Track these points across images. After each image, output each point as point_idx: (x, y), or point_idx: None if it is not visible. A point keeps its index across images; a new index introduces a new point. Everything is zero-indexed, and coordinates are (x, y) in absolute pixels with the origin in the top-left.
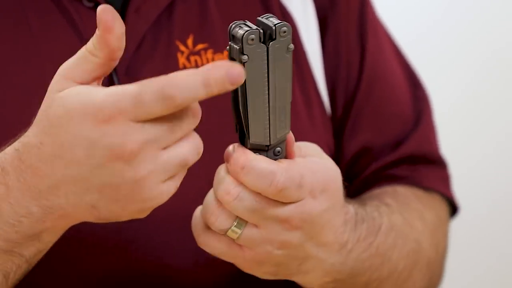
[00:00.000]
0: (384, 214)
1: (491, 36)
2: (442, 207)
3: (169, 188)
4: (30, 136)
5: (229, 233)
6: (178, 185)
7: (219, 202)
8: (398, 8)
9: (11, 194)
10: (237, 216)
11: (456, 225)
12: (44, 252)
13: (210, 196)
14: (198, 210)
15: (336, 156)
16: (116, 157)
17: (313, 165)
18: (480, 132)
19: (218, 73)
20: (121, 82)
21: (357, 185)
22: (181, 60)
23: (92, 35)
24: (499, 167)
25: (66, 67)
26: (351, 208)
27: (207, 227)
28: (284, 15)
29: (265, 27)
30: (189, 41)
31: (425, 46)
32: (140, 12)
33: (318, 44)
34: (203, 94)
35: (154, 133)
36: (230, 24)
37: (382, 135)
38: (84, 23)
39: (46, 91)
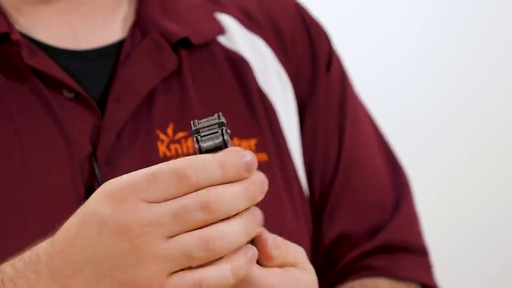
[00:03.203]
0: None
1: (478, 127)
2: None
3: (174, 284)
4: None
5: None
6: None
7: None
8: (388, 92)
9: (40, 281)
10: None
11: None
12: None
13: None
14: None
15: (315, 240)
16: (122, 236)
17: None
18: (467, 217)
19: (233, 156)
20: (102, 171)
21: (335, 273)
22: (161, 148)
23: (72, 126)
24: (487, 253)
25: None
26: None
27: None
28: (264, 102)
29: None
30: (169, 130)
31: (414, 134)
32: (120, 101)
33: (298, 130)
34: (219, 175)
35: (159, 218)
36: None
37: (360, 222)
38: (65, 114)
39: (29, 181)
